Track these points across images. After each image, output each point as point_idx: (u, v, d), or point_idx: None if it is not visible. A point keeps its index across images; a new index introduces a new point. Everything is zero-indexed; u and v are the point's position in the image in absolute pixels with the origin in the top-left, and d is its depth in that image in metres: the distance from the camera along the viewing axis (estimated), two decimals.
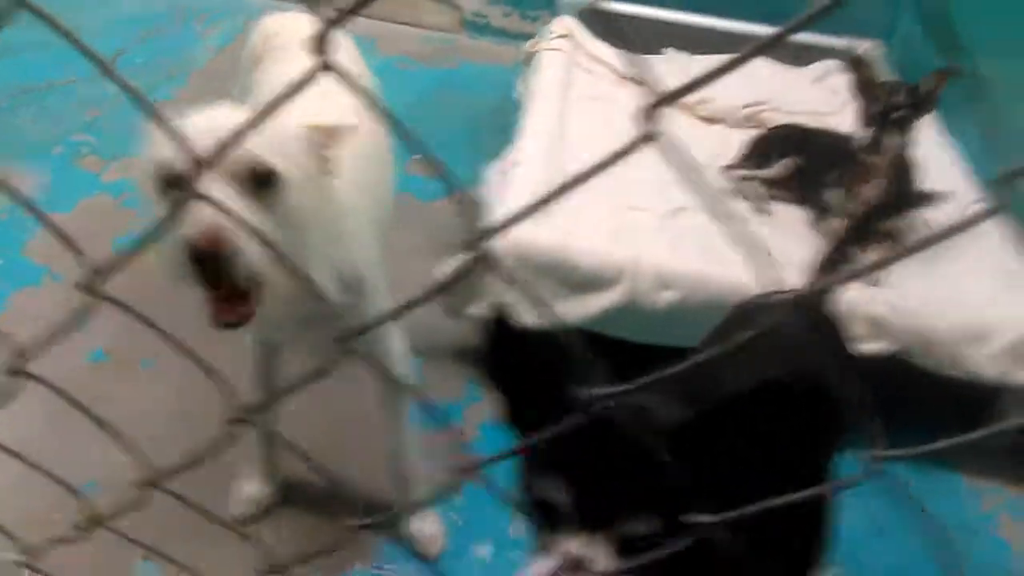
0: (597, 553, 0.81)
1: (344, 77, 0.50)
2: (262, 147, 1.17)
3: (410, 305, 0.63)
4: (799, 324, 1.28)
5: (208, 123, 1.15)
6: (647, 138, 0.47)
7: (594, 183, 2.25)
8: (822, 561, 1.55)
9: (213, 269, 1.11)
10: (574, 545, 0.81)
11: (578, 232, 2.14)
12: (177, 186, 1.14)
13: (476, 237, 0.55)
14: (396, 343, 1.63)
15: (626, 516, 0.81)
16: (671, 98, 0.45)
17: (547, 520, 0.84)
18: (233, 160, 1.13)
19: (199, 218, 1.10)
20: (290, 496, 1.84)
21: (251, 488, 1.82)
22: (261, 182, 1.17)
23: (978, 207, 1.93)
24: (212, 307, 1.20)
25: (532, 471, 0.86)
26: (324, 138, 1.29)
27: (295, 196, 1.21)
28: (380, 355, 1.58)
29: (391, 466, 1.73)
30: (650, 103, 0.45)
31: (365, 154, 1.59)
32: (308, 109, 1.48)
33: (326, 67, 0.51)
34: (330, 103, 1.58)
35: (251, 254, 1.13)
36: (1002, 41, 2.73)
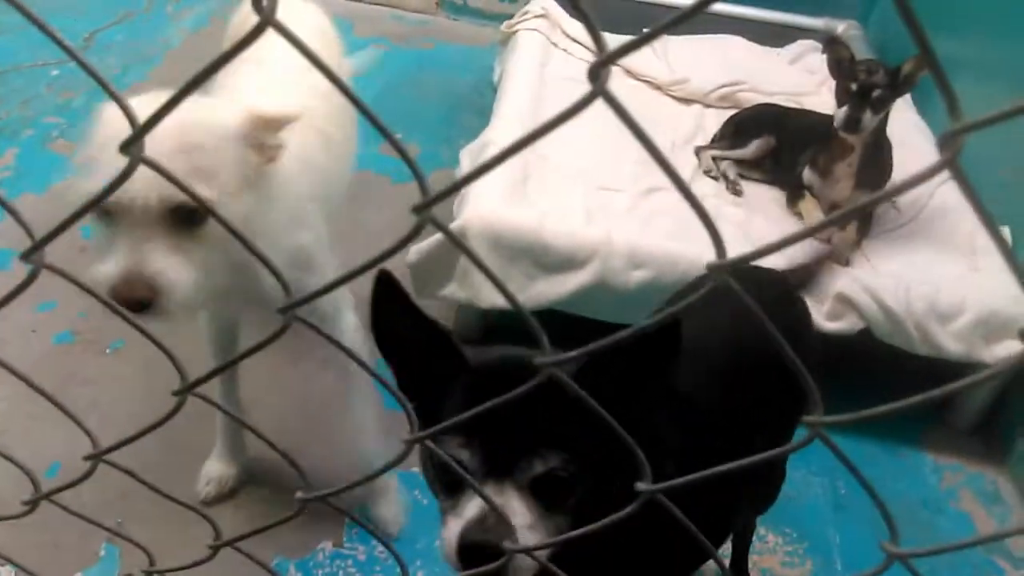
0: (509, 499, 0.81)
1: (299, 48, 0.49)
2: (186, 179, 1.12)
3: (351, 276, 0.63)
4: (765, 296, 1.29)
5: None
6: (594, 95, 0.46)
7: (568, 164, 2.25)
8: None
9: (136, 306, 1.12)
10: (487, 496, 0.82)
11: (551, 213, 2.14)
12: (109, 216, 1.13)
13: (425, 202, 0.55)
14: (348, 319, 1.60)
15: (528, 457, 0.82)
16: (616, 56, 0.45)
17: (456, 479, 0.84)
18: (158, 199, 1.10)
19: (121, 262, 1.11)
20: (255, 477, 1.85)
21: (215, 468, 1.82)
22: (192, 214, 1.14)
23: (944, 192, 1.93)
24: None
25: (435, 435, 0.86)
26: (264, 128, 1.22)
27: (232, 211, 1.14)
28: (331, 333, 1.53)
29: (354, 446, 1.72)
30: (598, 61, 0.45)
31: (317, 133, 1.54)
32: (260, 94, 1.40)
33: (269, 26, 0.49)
34: (281, 87, 1.53)
35: (178, 289, 1.13)
36: (966, 22, 2.75)
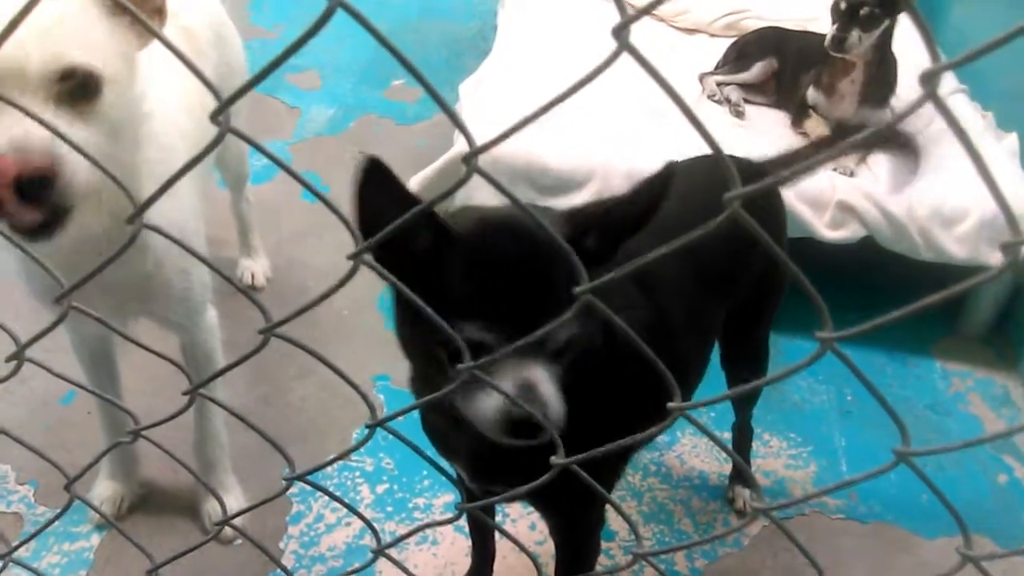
0: (535, 372, 0.83)
1: None
2: (73, 44, 0.95)
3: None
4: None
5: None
6: (620, 51, 0.50)
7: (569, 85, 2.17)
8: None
9: (25, 194, 0.92)
10: (520, 370, 0.83)
11: (551, 135, 2.14)
12: None
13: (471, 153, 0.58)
14: (212, 312, 1.51)
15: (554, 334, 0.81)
16: (637, 16, 0.48)
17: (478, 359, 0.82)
18: (40, 62, 0.93)
19: (7, 132, 0.89)
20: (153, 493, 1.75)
21: (108, 488, 1.69)
22: (78, 89, 0.97)
23: (951, 104, 1.94)
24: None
25: (453, 318, 0.81)
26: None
27: (120, 95, 1.02)
28: (195, 324, 1.47)
29: (196, 450, 1.64)
30: (621, 23, 0.49)
31: (186, 99, 1.32)
32: None
33: None
34: None
35: (75, 175, 0.94)
36: None
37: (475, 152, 0.57)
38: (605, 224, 0.88)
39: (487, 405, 0.84)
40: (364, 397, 0.79)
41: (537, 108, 0.53)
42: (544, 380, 0.83)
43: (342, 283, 0.68)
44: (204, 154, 0.61)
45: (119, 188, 0.69)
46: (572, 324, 0.81)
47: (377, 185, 0.83)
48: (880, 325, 0.54)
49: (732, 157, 1.40)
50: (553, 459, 0.77)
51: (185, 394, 0.84)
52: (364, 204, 0.84)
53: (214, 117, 0.58)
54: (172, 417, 0.88)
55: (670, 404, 0.68)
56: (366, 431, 0.82)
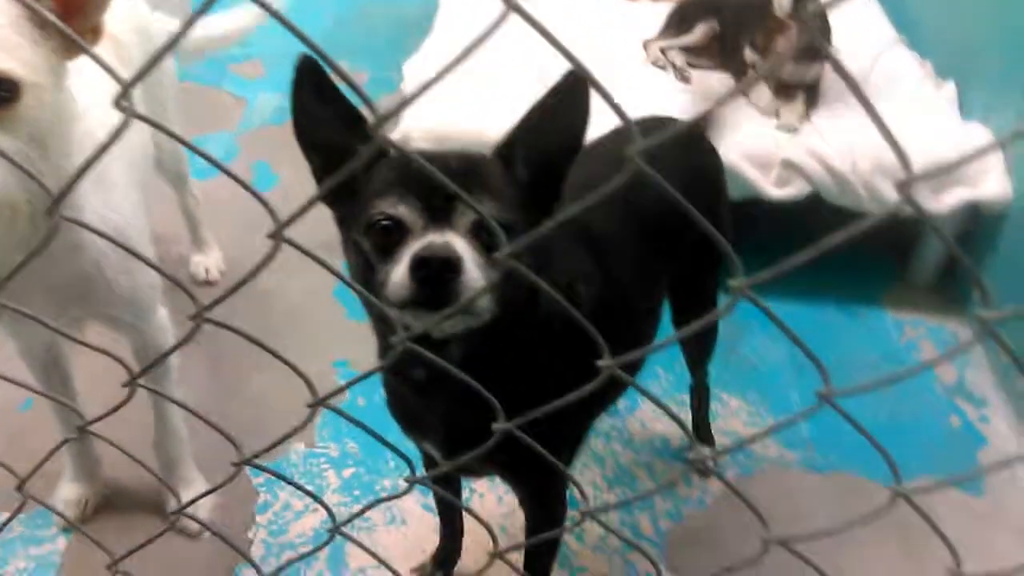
0: (453, 240, 0.84)
1: None
2: None
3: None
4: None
5: None
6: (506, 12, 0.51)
7: (509, 59, 2.27)
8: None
9: None
10: (429, 237, 0.84)
11: (496, 111, 2.14)
12: None
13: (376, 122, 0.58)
14: (162, 312, 1.48)
15: (465, 203, 0.83)
16: None
17: (394, 238, 0.87)
18: None
19: None
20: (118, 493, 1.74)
21: (71, 491, 1.68)
22: None
23: (890, 56, 1.97)
24: None
25: (372, 201, 0.88)
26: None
27: (42, 101, 1.02)
28: (146, 326, 1.45)
29: (156, 447, 1.63)
30: None
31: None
32: None
33: None
34: None
35: None
36: None
37: (379, 122, 0.57)
38: (527, 141, 0.91)
39: (400, 268, 0.84)
40: (305, 379, 0.80)
41: (433, 76, 0.53)
42: (457, 242, 0.84)
43: (264, 263, 0.68)
44: (111, 142, 0.61)
45: (42, 188, 0.68)
46: (488, 204, 0.85)
47: (312, 88, 0.87)
48: (787, 269, 0.55)
49: (668, 118, 1.42)
50: (495, 425, 0.78)
51: (125, 386, 0.83)
52: (299, 107, 0.88)
53: (117, 102, 0.58)
54: (114, 410, 0.87)
55: (600, 362, 0.69)
56: (325, 418, 0.83)
